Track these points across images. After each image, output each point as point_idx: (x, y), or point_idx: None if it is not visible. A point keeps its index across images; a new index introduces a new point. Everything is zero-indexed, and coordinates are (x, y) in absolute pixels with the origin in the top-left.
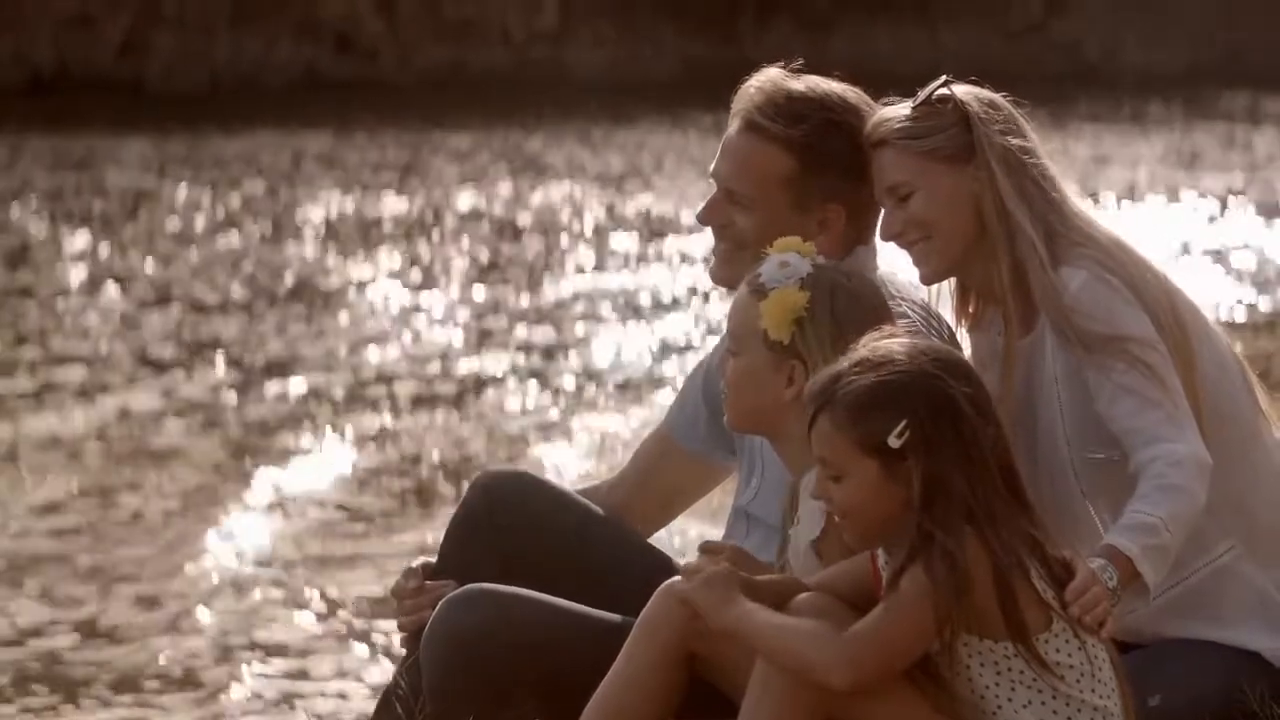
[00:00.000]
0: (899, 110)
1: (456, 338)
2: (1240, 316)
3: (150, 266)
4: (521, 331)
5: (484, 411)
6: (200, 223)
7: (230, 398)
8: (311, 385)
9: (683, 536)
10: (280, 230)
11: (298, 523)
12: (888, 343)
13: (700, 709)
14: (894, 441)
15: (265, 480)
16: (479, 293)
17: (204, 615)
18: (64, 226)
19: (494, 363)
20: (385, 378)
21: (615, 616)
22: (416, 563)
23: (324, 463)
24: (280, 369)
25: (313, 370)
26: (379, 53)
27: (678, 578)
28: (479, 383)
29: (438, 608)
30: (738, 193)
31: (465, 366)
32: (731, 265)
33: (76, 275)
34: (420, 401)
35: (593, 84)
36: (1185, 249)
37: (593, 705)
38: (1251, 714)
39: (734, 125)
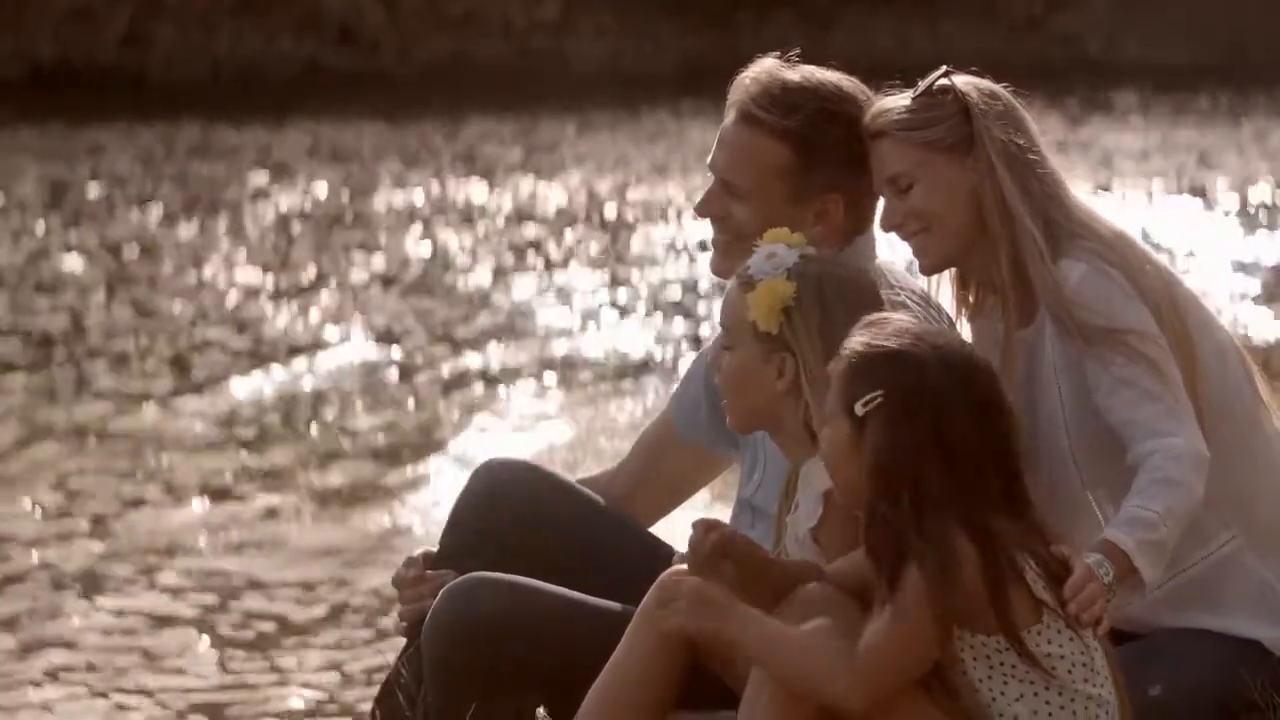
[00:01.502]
0: (898, 101)
1: (584, 323)
2: (1243, 309)
3: (252, 252)
4: (648, 316)
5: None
6: (275, 210)
7: (393, 378)
8: (474, 365)
9: (681, 530)
10: (354, 216)
11: None
12: (904, 322)
13: (701, 697)
14: (859, 409)
15: (440, 464)
16: (584, 279)
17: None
18: (171, 216)
19: (641, 346)
20: (545, 362)
21: (616, 605)
22: (417, 552)
23: (492, 446)
24: (435, 353)
25: (467, 352)
26: (380, 44)
27: (677, 566)
28: (635, 368)
29: (439, 596)
30: (734, 184)
31: (610, 352)
32: (730, 257)
33: (183, 260)
34: (585, 385)
35: (594, 76)
36: (1186, 243)
37: (593, 694)
38: (1252, 703)
39: (730, 116)
